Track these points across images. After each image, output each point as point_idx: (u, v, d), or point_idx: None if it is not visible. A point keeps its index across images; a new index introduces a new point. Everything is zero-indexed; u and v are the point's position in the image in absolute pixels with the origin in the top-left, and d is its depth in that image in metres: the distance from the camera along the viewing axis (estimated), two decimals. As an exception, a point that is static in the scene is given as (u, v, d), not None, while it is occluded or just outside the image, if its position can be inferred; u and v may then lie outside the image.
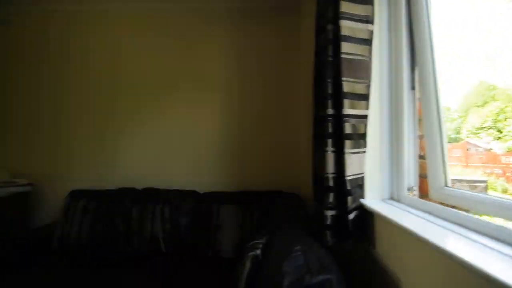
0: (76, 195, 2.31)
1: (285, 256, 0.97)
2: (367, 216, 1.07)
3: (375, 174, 1.11)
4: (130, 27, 2.63)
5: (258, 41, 2.54)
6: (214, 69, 2.55)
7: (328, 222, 1.06)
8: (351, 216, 1.04)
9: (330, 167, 1.04)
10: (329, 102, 1.04)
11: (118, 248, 2.11)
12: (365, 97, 1.04)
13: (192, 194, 2.32)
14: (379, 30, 1.13)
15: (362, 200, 1.07)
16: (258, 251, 1.14)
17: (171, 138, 2.58)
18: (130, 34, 2.62)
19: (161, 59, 2.59)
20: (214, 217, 2.05)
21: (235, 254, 1.89)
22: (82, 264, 1.84)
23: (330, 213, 1.06)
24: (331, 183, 1.05)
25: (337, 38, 1.03)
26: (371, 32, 1.06)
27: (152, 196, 2.27)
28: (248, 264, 1.09)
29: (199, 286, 1.53)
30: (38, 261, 1.87)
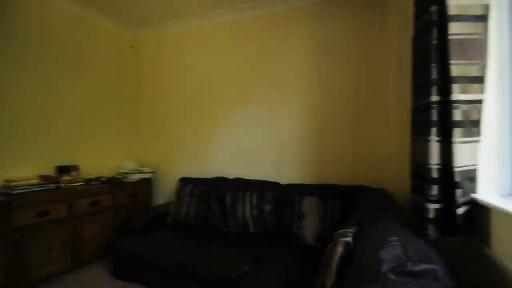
0: (185, 181, 2.80)
1: (381, 245, 0.96)
2: (479, 211, 0.95)
3: (493, 166, 0.97)
4: (218, 39, 2.97)
5: (339, 35, 2.48)
6: (295, 66, 2.63)
7: (431, 215, 0.99)
8: (461, 210, 0.94)
9: (434, 158, 0.97)
10: (434, 89, 0.96)
11: (215, 226, 2.48)
12: (479, 79, 0.92)
13: (274, 184, 2.48)
14: (497, 2, 0.98)
15: (475, 195, 0.95)
16: (349, 239, 1.16)
17: (255, 135, 2.80)
18: (219, 45, 2.96)
19: (245, 63, 2.84)
20: (297, 206, 2.14)
21: (317, 242, 1.94)
22: (190, 236, 2.23)
23: (433, 206, 0.99)
24: (435, 175, 0.98)
25: (443, 19, 0.94)
26: (487, 7, 0.93)
27: (241, 185, 2.54)
28: (340, 249, 1.13)
29: (286, 262, 1.66)
30: (159, 230, 2.36)
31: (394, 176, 2.15)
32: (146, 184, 3.09)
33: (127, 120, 3.38)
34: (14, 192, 2.04)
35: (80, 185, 2.52)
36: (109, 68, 3.13)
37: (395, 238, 0.97)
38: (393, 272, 0.82)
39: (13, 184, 2.07)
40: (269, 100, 2.73)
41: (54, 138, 2.56)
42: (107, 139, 3.12)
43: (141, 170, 3.08)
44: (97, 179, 2.74)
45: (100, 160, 3.02)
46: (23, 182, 2.13)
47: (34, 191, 2.16)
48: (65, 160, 2.65)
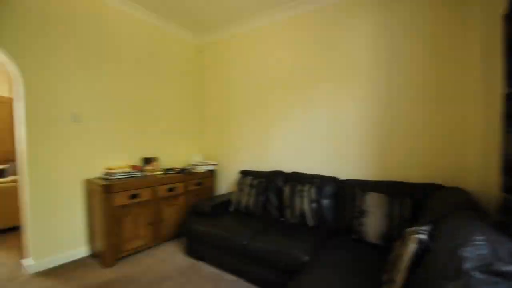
0: (245, 173, 2.98)
1: (463, 244, 0.90)
2: None
3: None
4: (277, 36, 3.02)
5: (410, 19, 2.26)
6: (359, 58, 2.50)
7: (528, 216, 0.87)
8: None
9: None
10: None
11: (273, 215, 2.59)
12: None
13: (332, 179, 2.44)
14: None
15: None
16: (423, 236, 1.10)
17: (313, 130, 2.78)
18: (278, 42, 3.01)
19: (303, 57, 2.83)
20: (358, 202, 2.07)
21: (381, 241, 1.85)
22: (251, 222, 2.37)
23: (531, 205, 0.87)
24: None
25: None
26: None
27: (298, 179, 2.57)
28: (412, 245, 1.08)
29: (346, 257, 1.63)
30: (224, 215, 2.58)
31: (475, 173, 1.89)
32: (210, 175, 3.39)
33: (195, 118, 3.74)
34: (113, 177, 2.50)
35: (160, 173, 2.92)
36: (179, 72, 3.50)
37: (481, 237, 0.90)
38: (478, 270, 0.77)
39: (113, 171, 2.54)
40: (329, 94, 2.67)
41: (140, 134, 3.02)
42: (179, 135, 3.52)
43: (206, 163, 3.39)
44: (172, 169, 3.13)
45: (174, 153, 3.43)
46: (119, 170, 2.58)
47: (127, 177, 2.60)
48: (149, 153, 3.11)
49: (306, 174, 2.64)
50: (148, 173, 2.85)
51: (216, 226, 2.31)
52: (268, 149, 3.12)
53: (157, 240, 2.77)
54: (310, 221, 2.29)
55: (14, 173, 3.94)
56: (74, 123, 2.44)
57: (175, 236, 2.97)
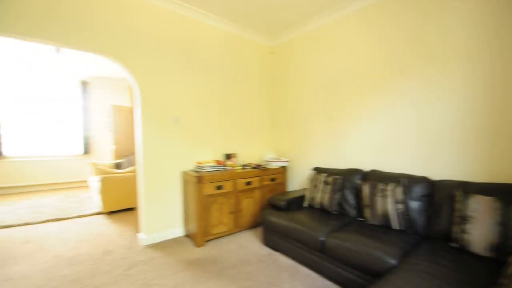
0: (318, 170, 2.95)
1: None
2: None
3: None
4: (352, 28, 2.86)
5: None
6: (456, 41, 2.15)
7: None
8: None
9: None
10: None
11: (349, 214, 2.49)
12: None
13: (423, 179, 2.17)
14: None
15: None
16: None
17: (396, 125, 2.53)
18: (352, 35, 2.85)
19: (384, 48, 2.59)
20: (459, 206, 1.79)
21: (489, 252, 1.55)
22: (326, 220, 2.34)
23: None
24: None
25: None
26: None
27: (379, 177, 2.39)
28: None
29: (442, 266, 1.43)
30: (298, 210, 2.62)
31: None
32: (283, 171, 3.48)
33: (269, 117, 3.91)
34: (203, 170, 2.87)
35: (238, 168, 3.19)
36: (255, 74, 3.72)
37: None
38: None
39: (202, 165, 2.91)
40: (415, 87, 2.38)
41: (222, 133, 3.36)
42: (255, 133, 3.74)
43: (279, 159, 3.49)
44: (248, 164, 3.36)
45: (250, 149, 3.68)
46: (207, 164, 2.94)
47: (213, 171, 2.95)
48: (229, 149, 3.43)
49: (388, 173, 2.42)
50: (229, 168, 3.14)
51: (291, 220, 2.38)
52: (343, 147, 3.00)
53: (237, 228, 3.03)
54: (395, 224, 2.10)
55: (129, 165, 4.94)
56: (174, 125, 2.92)
57: (252, 226, 3.18)
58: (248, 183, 3.09)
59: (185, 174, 2.92)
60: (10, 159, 5.34)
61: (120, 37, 2.53)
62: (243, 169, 3.20)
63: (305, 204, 2.80)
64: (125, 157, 5.23)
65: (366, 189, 2.34)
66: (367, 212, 2.28)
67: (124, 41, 2.56)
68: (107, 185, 3.77)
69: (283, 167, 3.50)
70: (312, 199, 2.72)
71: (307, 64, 3.39)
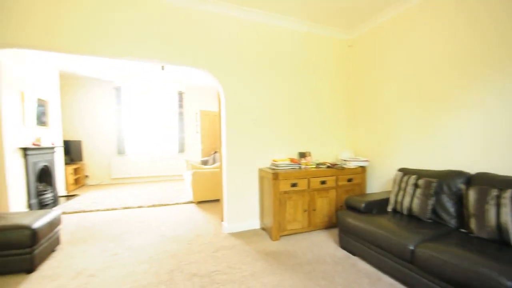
0: (406, 172, 2.61)
1: None
2: None
3: None
4: (442, 10, 2.40)
5: None
6: None
7: None
8: None
9: None
10: None
11: (447, 224, 2.10)
12: None
13: None
14: None
15: None
16: None
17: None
18: (443, 18, 2.40)
19: (488, 27, 2.08)
20: None
21: None
22: (419, 228, 2.04)
23: None
24: None
25: None
26: None
27: (491, 182, 1.93)
28: None
29: None
30: (380, 214, 2.38)
31: None
32: (361, 171, 3.22)
33: (344, 114, 3.71)
34: (278, 168, 2.97)
35: (312, 167, 3.14)
36: (329, 70, 3.59)
37: None
38: None
39: (277, 163, 3.02)
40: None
41: (296, 132, 3.39)
42: (329, 131, 3.62)
43: (357, 159, 3.26)
44: (323, 163, 3.27)
45: (324, 148, 3.58)
46: (282, 162, 3.03)
47: (287, 168, 3.01)
48: (303, 148, 3.43)
49: (504, 176, 1.94)
50: (303, 166, 3.14)
51: (373, 224, 2.19)
52: (437, 145, 2.56)
53: (311, 226, 3.00)
54: (515, 240, 1.66)
55: (214, 162, 5.53)
56: (252, 125, 3.13)
57: (326, 226, 3.08)
58: (323, 182, 3.01)
59: (261, 171, 3.08)
60: (130, 156, 6.80)
61: (211, 51, 2.90)
62: (318, 168, 3.14)
63: (389, 208, 2.52)
64: (210, 155, 5.89)
65: (472, 195, 1.94)
66: (473, 223, 1.88)
67: (213, 53, 2.91)
68: (197, 179, 4.35)
69: (362, 167, 3.24)
70: (398, 203, 2.43)
71: (392, 54, 3.05)
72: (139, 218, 3.63)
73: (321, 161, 3.48)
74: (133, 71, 5.67)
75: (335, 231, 3.05)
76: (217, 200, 4.56)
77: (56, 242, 2.54)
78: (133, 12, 2.59)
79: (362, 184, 3.26)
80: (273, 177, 2.74)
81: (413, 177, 2.42)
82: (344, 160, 3.30)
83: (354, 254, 2.45)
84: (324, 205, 3.05)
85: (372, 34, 3.30)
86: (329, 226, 3.10)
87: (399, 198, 2.43)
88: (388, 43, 3.09)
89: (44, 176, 4.51)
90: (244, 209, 3.13)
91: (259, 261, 2.34)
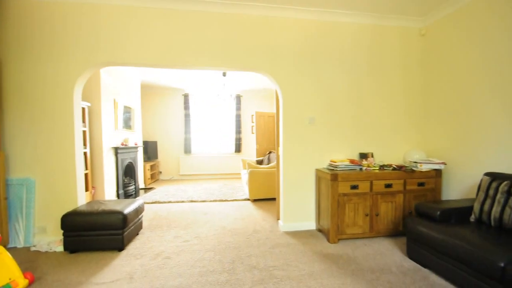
0: (494, 177, 2.20)
1: None
2: None
3: None
4: None
5: None
6: None
7: None
8: None
9: None
10: None
11: None
12: None
13: None
14: None
15: None
16: None
17: None
18: None
19: None
20: None
21: None
22: (507, 241, 1.71)
23: None
24: None
25: None
26: None
27: None
28: None
29: None
30: (459, 224, 2.06)
31: None
32: (436, 175, 2.84)
33: (414, 111, 3.33)
34: (336, 169, 2.86)
35: (375, 169, 2.92)
36: (396, 63, 3.28)
37: None
38: None
39: (335, 163, 2.91)
40: None
41: (356, 131, 3.21)
42: (395, 130, 3.30)
43: (431, 161, 2.88)
44: (389, 166, 3.00)
45: (388, 149, 3.28)
46: (341, 163, 2.90)
47: (347, 170, 2.87)
48: (364, 148, 3.22)
49: None
50: (364, 168, 2.94)
51: (451, 234, 1.91)
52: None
53: (373, 232, 2.78)
54: None
55: (268, 161, 5.65)
56: (309, 125, 3.10)
57: (391, 233, 2.82)
58: (388, 186, 2.76)
59: (318, 171, 3.01)
60: (195, 155, 7.49)
61: (270, 54, 3.00)
62: (381, 170, 2.90)
63: (472, 218, 2.17)
64: (265, 155, 6.04)
65: None
66: None
67: (272, 57, 3.01)
68: (253, 178, 4.51)
69: (437, 170, 2.86)
70: (484, 213, 2.07)
71: (479, 40, 2.61)
72: (203, 211, 3.97)
73: (385, 162, 3.21)
74: (199, 79, 6.23)
75: (401, 240, 2.77)
76: (272, 199, 4.64)
77: (139, 226, 3.00)
78: (202, 30, 2.87)
79: (436, 190, 2.87)
80: (331, 178, 2.66)
81: (505, 183, 2.02)
82: (414, 162, 2.96)
83: (425, 266, 2.18)
84: (388, 211, 2.80)
85: (452, 18, 2.88)
86: (394, 233, 2.83)
87: (486, 207, 2.07)
88: (473, 28, 2.65)
89: (129, 171, 5.34)
90: (300, 209, 3.11)
91: (316, 262, 2.30)
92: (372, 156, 3.15)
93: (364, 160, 3.09)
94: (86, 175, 3.92)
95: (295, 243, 2.72)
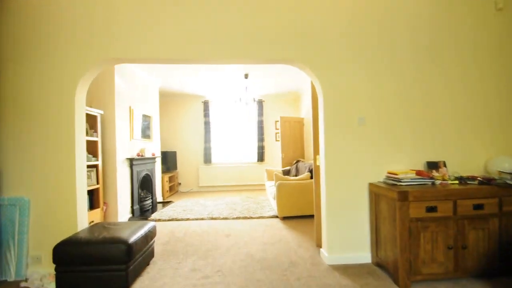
0: None
1: None
2: None
3: None
4: None
5: None
6: None
7: None
8: None
9: None
10: None
11: None
12: None
13: None
14: None
15: None
16: None
17: None
18: None
19: None
20: None
21: None
22: None
23: None
24: None
25: None
26: None
27: None
28: None
29: None
30: None
31: None
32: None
33: (494, 107, 2.50)
34: (401, 183, 2.11)
35: (454, 183, 2.14)
36: (466, 50, 2.50)
37: None
38: None
39: (397, 176, 2.16)
40: None
41: (420, 133, 2.44)
42: (473, 132, 2.48)
43: (534, 172, 2.05)
44: (471, 178, 2.20)
45: (464, 156, 2.47)
46: (405, 176, 2.16)
47: (414, 184, 2.12)
48: (432, 155, 2.44)
49: None
50: (438, 181, 2.17)
51: None
52: None
53: (458, 271, 1.98)
54: None
55: (296, 172, 4.94)
56: (359, 127, 2.39)
57: (483, 272, 1.99)
58: (478, 207, 1.97)
59: (374, 187, 2.28)
60: (215, 165, 6.95)
61: (304, 39, 2.38)
62: (463, 184, 2.11)
63: None
64: (292, 165, 5.33)
65: None
66: None
67: (307, 42, 2.38)
68: (283, 192, 3.82)
69: (542, 184, 2.02)
70: None
71: None
72: (226, 231, 3.34)
73: (461, 173, 2.40)
74: (219, 84, 5.75)
75: (501, 281, 1.94)
76: (305, 217, 3.91)
77: (150, 255, 2.42)
78: (221, 17, 2.32)
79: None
80: (399, 197, 1.91)
81: None
82: (506, 173, 2.14)
83: None
84: (479, 241, 1.99)
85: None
86: (489, 272, 2.00)
87: None
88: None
89: (145, 183, 4.88)
90: (349, 235, 2.37)
91: (392, 323, 1.55)
92: (445, 166, 2.37)
93: (434, 171, 2.32)
94: (97, 190, 3.46)
95: (350, 286, 1.98)
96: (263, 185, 6.87)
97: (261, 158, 6.94)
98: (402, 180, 2.13)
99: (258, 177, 6.93)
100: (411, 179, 2.14)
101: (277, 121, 7.05)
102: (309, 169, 4.26)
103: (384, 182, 2.29)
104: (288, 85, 5.93)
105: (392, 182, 2.20)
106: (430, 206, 1.94)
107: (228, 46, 2.32)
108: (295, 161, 5.40)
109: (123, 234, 2.05)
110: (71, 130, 2.25)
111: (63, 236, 2.20)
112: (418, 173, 2.22)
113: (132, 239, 2.00)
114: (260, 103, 6.98)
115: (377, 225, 2.26)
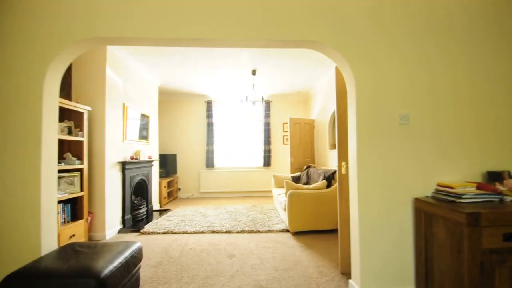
0: None
1: None
2: None
3: None
4: None
5: None
6: None
7: None
8: None
9: None
10: None
11: None
12: None
13: None
14: None
15: None
16: None
17: None
18: None
19: None
20: None
21: None
22: None
23: None
24: None
25: None
26: None
27: None
28: None
29: None
30: None
31: None
32: None
33: None
34: (460, 200, 1.60)
35: (532, 201, 1.62)
36: (531, 30, 2.00)
37: None
38: None
39: (452, 190, 1.66)
40: None
41: (477, 136, 1.93)
42: (546, 133, 1.97)
43: None
44: (553, 194, 1.67)
45: (532, 165, 1.94)
46: (463, 190, 1.65)
47: (478, 201, 1.60)
48: (492, 164, 1.92)
49: None
50: (508, 198, 1.66)
51: None
52: None
53: (542, 321, 1.44)
54: None
55: (307, 179, 4.42)
56: (400, 126, 1.89)
57: None
58: None
59: (421, 203, 1.77)
60: (218, 170, 6.47)
61: (331, 15, 1.89)
62: (543, 202, 1.59)
63: None
64: (303, 171, 4.83)
65: None
66: None
67: (335, 19, 1.89)
68: (295, 202, 3.32)
69: None
70: None
71: None
72: (229, 250, 2.83)
73: (530, 187, 1.88)
74: (224, 82, 5.30)
75: None
76: (321, 232, 3.39)
77: (134, 285, 1.91)
78: (227, -23, 1.85)
79: None
80: (469, 220, 1.40)
81: None
82: None
83: None
84: None
85: None
86: None
87: None
88: None
89: (140, 190, 4.40)
90: (387, 264, 1.85)
91: None
92: (510, 177, 1.85)
93: (498, 183, 1.80)
94: (81, 198, 2.99)
95: None
96: (270, 191, 6.35)
97: (267, 162, 6.44)
98: (462, 196, 1.61)
99: (264, 183, 6.42)
100: (474, 194, 1.63)
101: (285, 123, 6.57)
102: (324, 176, 3.75)
103: (434, 197, 1.78)
104: (297, 83, 5.45)
105: (446, 197, 1.69)
106: (509, 233, 1.42)
107: (235, 22, 1.84)
108: (305, 167, 4.89)
109: (96, 262, 1.56)
110: (36, 126, 1.78)
111: (19, 263, 1.71)
112: (480, 186, 1.71)
113: (106, 271, 1.51)
114: (267, 104, 6.50)
115: (427, 254, 1.74)
